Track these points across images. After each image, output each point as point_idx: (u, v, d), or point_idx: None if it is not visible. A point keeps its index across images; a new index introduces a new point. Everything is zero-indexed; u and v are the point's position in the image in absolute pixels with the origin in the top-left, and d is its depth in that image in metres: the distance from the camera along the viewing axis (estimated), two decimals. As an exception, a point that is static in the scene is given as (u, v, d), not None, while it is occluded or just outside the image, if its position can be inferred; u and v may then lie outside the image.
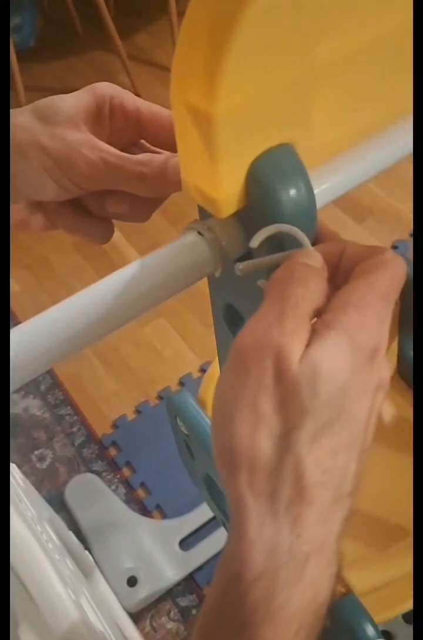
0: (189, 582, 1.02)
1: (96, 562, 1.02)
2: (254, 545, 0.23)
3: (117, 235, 0.66)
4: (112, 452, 1.18)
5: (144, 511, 1.10)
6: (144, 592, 0.98)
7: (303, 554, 0.23)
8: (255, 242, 0.28)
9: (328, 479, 0.24)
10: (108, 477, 1.17)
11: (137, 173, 0.33)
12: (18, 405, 1.32)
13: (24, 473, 1.20)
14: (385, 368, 0.26)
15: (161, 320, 1.34)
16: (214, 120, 0.26)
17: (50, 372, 1.30)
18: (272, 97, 0.27)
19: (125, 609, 0.97)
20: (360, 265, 0.27)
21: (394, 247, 1.37)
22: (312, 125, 0.30)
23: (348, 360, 0.23)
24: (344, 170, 0.33)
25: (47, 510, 0.93)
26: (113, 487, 1.15)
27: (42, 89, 1.80)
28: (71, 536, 0.94)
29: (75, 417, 1.25)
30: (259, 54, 0.25)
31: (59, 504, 1.12)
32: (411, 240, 1.30)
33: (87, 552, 1.02)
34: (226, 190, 0.29)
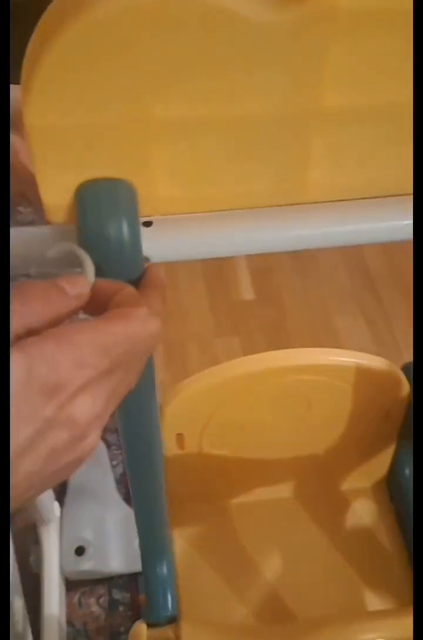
0: (131, 581, 1.04)
1: (60, 516, 1.08)
2: None
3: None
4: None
5: (129, 499, 1.14)
6: (86, 566, 1.02)
7: None
8: (50, 253, 0.30)
9: None
10: (115, 452, 1.22)
11: None
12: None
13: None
14: (75, 409, 0.26)
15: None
16: (30, 130, 0.28)
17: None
18: (94, 132, 0.29)
19: (63, 572, 1.02)
20: (110, 307, 0.27)
21: None
22: (156, 174, 0.31)
23: (15, 381, 0.24)
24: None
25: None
26: (114, 462, 1.20)
27: None
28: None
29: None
30: (70, 85, 0.27)
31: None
32: None
33: (57, 503, 1.08)
34: (51, 198, 0.31)
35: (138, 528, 0.58)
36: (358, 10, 0.26)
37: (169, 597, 0.59)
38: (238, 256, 1.54)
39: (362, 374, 0.67)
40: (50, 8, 0.27)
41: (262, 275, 1.53)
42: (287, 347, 1.39)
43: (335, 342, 1.40)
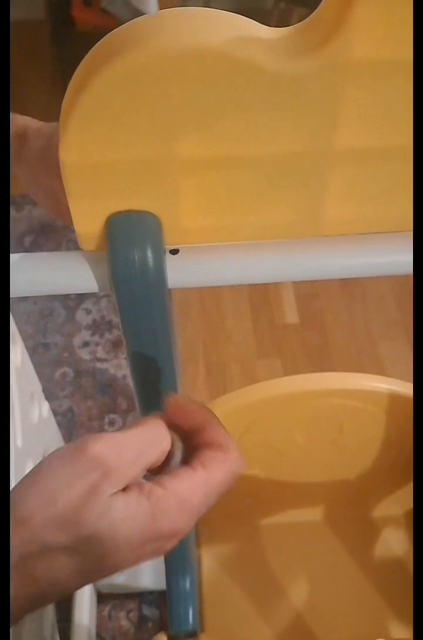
0: (161, 598, 1.05)
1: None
2: None
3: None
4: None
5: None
6: (117, 580, 1.03)
7: None
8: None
9: None
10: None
11: None
12: (122, 368, 1.46)
13: (92, 429, 1.34)
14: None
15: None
16: (64, 166, 0.31)
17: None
18: (124, 166, 0.31)
19: (95, 584, 1.04)
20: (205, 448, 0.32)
21: None
22: (180, 207, 0.33)
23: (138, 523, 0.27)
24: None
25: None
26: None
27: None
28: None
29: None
30: (102, 125, 0.29)
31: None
32: None
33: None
34: (83, 229, 0.34)
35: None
36: (372, 61, 0.27)
37: (190, 612, 0.60)
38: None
39: (395, 400, 0.66)
40: (88, 55, 0.30)
41: (307, 300, 1.53)
42: (329, 371, 1.37)
43: (379, 370, 1.38)
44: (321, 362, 1.40)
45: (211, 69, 0.27)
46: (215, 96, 0.28)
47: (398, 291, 1.53)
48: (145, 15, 0.29)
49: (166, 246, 0.35)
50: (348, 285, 1.55)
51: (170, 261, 0.36)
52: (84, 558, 0.27)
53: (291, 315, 1.51)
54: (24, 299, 1.53)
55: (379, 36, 0.26)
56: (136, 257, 0.33)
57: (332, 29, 0.26)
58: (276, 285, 1.55)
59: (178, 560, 0.64)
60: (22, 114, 0.44)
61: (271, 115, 0.29)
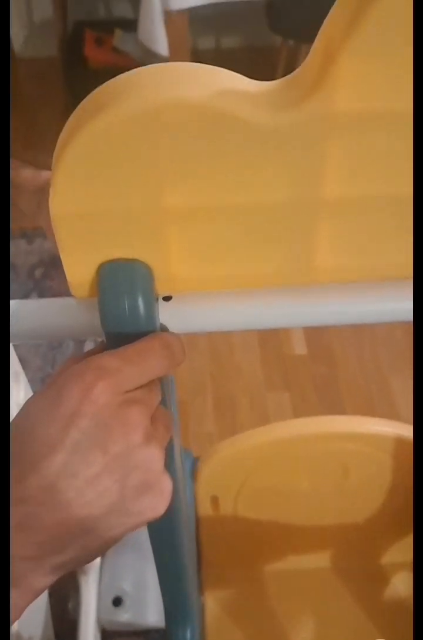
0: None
1: (101, 565, 1.09)
2: None
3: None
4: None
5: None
6: (123, 618, 1.02)
7: None
8: None
9: None
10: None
11: None
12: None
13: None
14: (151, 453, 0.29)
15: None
16: (54, 217, 0.31)
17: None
18: (113, 216, 0.31)
19: (100, 622, 1.02)
20: None
21: None
22: (170, 255, 0.33)
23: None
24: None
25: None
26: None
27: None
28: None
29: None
30: (89, 177, 0.29)
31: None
32: None
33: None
34: (75, 278, 0.34)
35: (162, 591, 0.58)
36: (356, 113, 0.27)
37: (192, 664, 0.59)
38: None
39: (402, 445, 0.65)
40: (77, 109, 0.30)
41: (316, 331, 1.52)
42: (338, 405, 1.37)
43: (389, 402, 1.36)
44: (330, 395, 1.39)
45: (194, 121, 0.27)
46: (199, 148, 0.28)
47: (408, 324, 1.52)
48: (149, 62, 0.30)
49: (158, 294, 0.35)
50: (357, 317, 1.54)
51: (163, 307, 0.36)
52: None
53: (299, 347, 1.50)
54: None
55: (363, 89, 0.26)
56: (127, 305, 0.32)
57: (315, 83, 0.26)
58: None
59: (178, 610, 0.62)
60: (34, 148, 0.46)
61: (255, 167, 0.29)
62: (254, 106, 0.27)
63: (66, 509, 0.26)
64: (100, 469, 0.27)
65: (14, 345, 0.79)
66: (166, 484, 0.30)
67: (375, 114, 0.27)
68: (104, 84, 0.30)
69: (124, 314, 0.33)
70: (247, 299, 0.34)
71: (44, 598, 0.99)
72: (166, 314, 0.36)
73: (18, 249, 1.82)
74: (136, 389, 0.30)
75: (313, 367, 1.46)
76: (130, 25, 1.90)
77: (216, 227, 0.32)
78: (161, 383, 0.38)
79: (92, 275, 0.34)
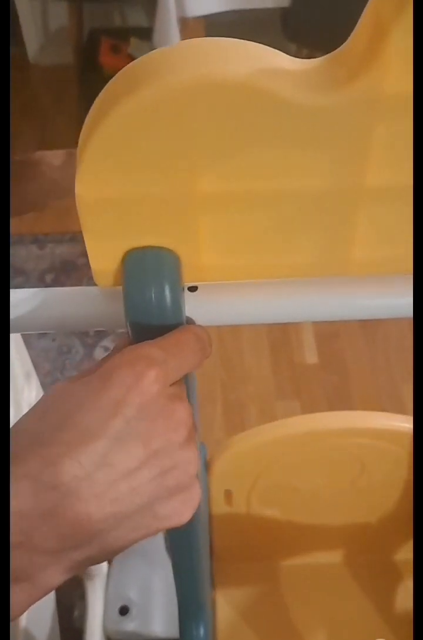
0: (173, 648, 1.01)
1: (108, 574, 1.07)
2: None
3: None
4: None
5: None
6: (128, 627, 1.00)
7: None
8: None
9: None
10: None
11: None
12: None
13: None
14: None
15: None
16: (80, 201, 0.30)
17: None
18: (142, 202, 0.30)
19: (106, 631, 1.01)
20: None
21: None
22: (199, 244, 0.32)
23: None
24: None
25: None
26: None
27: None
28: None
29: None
30: (119, 159, 0.28)
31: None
32: None
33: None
34: (99, 265, 0.33)
35: (176, 587, 0.57)
36: (402, 95, 0.26)
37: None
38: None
39: (420, 445, 0.64)
40: (104, 89, 0.29)
41: (327, 340, 1.51)
42: (349, 415, 1.33)
43: (400, 412, 1.34)
44: (341, 404, 1.37)
45: (230, 101, 0.26)
46: (234, 130, 0.27)
47: None
48: (171, 46, 0.29)
49: (185, 283, 0.34)
50: (369, 325, 1.53)
51: (188, 298, 0.35)
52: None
53: (310, 356, 1.48)
54: (43, 335, 1.53)
55: (410, 70, 0.25)
56: (153, 294, 0.31)
57: (364, 62, 0.25)
58: (296, 323, 1.53)
59: (191, 606, 0.61)
60: (50, 154, 0.45)
61: (294, 151, 0.28)
62: (295, 85, 0.26)
63: (97, 502, 0.25)
64: (139, 463, 0.26)
65: (27, 345, 0.78)
66: (197, 491, 0.29)
67: None
68: (134, 62, 0.29)
69: (150, 304, 0.32)
70: (273, 291, 0.33)
71: (51, 604, 0.98)
72: (191, 305, 0.35)
73: (29, 254, 1.82)
74: (174, 384, 0.29)
75: (324, 376, 1.44)
76: (146, 33, 1.90)
77: (249, 214, 0.31)
78: (187, 379, 0.37)
79: (117, 263, 0.33)
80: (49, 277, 1.76)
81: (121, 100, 0.27)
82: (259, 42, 0.28)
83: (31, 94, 2.31)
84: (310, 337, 1.52)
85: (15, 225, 1.71)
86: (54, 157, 0.46)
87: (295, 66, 0.27)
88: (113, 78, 0.29)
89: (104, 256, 0.32)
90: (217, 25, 1.88)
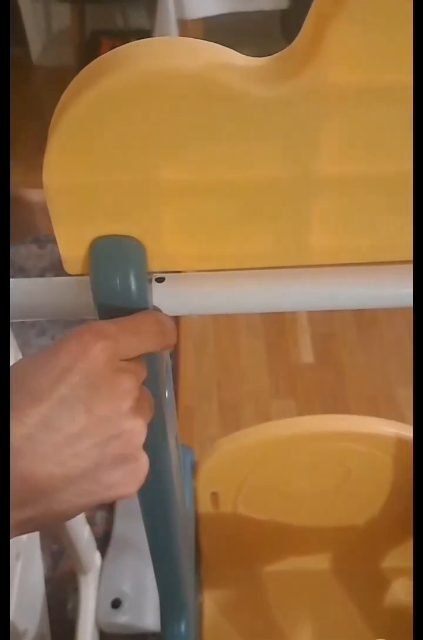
0: (165, 642, 1.02)
1: (101, 567, 1.08)
2: None
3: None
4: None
5: (171, 556, 1.13)
6: (121, 620, 1.01)
7: None
8: None
9: None
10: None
11: None
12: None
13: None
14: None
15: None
16: (47, 188, 0.31)
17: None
18: (106, 190, 0.31)
19: (98, 623, 1.01)
20: None
21: None
22: (163, 232, 0.33)
23: None
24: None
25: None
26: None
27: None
28: (88, 532, 1.02)
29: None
30: (83, 148, 0.30)
31: (109, 505, 1.21)
32: None
33: (98, 553, 1.09)
34: (68, 253, 0.34)
35: (157, 583, 0.58)
36: (350, 87, 0.27)
37: (184, 657, 0.58)
38: (299, 319, 1.54)
39: (404, 446, 0.64)
40: (73, 81, 0.31)
41: (323, 340, 1.51)
42: (344, 414, 1.34)
43: (396, 413, 1.35)
44: (336, 404, 1.37)
45: (188, 92, 0.27)
46: (193, 120, 0.28)
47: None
48: (134, 42, 0.30)
49: (152, 271, 0.35)
50: (365, 326, 1.53)
51: (155, 288, 0.35)
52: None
53: (306, 355, 1.49)
54: (41, 333, 1.55)
55: (355, 62, 0.26)
56: (119, 281, 0.32)
57: (307, 56, 0.26)
58: (293, 323, 1.54)
59: (173, 603, 0.62)
60: None
61: (248, 142, 0.29)
62: (248, 79, 0.27)
63: (41, 462, 0.26)
64: (81, 428, 0.27)
65: (25, 343, 0.79)
66: (143, 462, 0.30)
67: (369, 87, 0.27)
68: (101, 56, 0.30)
69: (115, 290, 0.33)
70: (239, 282, 0.34)
71: (40, 593, 0.99)
72: (159, 296, 0.35)
73: (30, 253, 1.84)
74: (128, 360, 0.30)
75: (320, 376, 1.44)
76: (146, 34, 1.92)
77: (209, 203, 0.32)
78: (156, 366, 0.38)
79: (85, 250, 0.34)
80: (48, 276, 1.77)
81: (82, 92, 0.28)
82: (258, 44, 0.30)
83: (33, 94, 2.33)
84: (306, 337, 1.53)
85: (15, 225, 1.73)
86: None
87: (248, 62, 0.28)
88: (80, 72, 0.30)
89: (72, 244, 0.34)
90: (216, 27, 1.90)
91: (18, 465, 0.26)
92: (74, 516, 0.29)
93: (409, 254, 0.32)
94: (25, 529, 0.27)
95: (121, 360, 0.29)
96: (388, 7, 0.25)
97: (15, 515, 0.26)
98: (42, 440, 0.26)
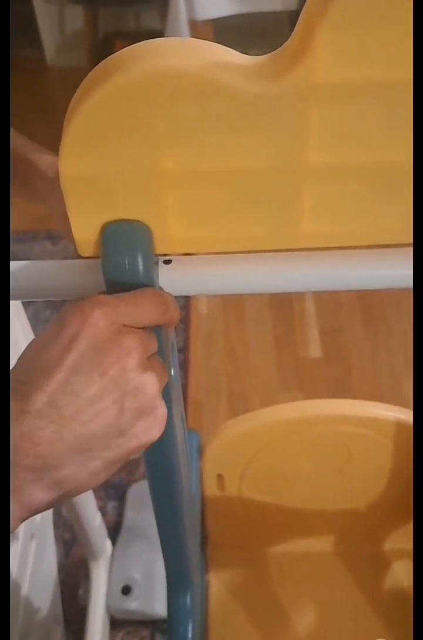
0: (173, 627, 1.04)
1: (112, 554, 1.11)
2: None
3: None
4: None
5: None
6: (131, 606, 1.03)
7: None
8: None
9: None
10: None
11: None
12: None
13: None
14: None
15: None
16: (63, 177, 0.34)
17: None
18: (116, 179, 0.34)
19: (109, 609, 1.04)
20: None
21: None
22: (167, 217, 0.36)
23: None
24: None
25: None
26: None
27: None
28: (99, 519, 1.05)
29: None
30: (95, 141, 0.33)
31: (120, 495, 1.24)
32: None
33: (109, 541, 1.12)
34: (81, 236, 0.37)
35: (163, 556, 0.60)
36: (333, 83, 0.30)
37: (189, 628, 0.61)
38: (307, 315, 1.56)
39: (404, 430, 0.66)
40: (87, 77, 0.34)
41: (331, 334, 1.54)
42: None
43: (403, 407, 1.36)
44: (343, 398, 1.39)
45: (186, 89, 0.30)
46: (191, 114, 0.31)
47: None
48: (140, 42, 0.33)
49: (158, 253, 0.38)
50: (373, 321, 1.55)
51: (162, 269, 0.38)
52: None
53: (314, 350, 1.51)
54: (45, 323, 1.59)
55: (340, 61, 0.29)
56: (127, 263, 0.35)
57: (296, 55, 0.29)
58: (300, 318, 1.56)
59: (179, 578, 0.65)
60: None
61: (242, 134, 0.32)
62: (242, 76, 0.30)
63: (67, 424, 0.29)
64: (98, 389, 0.30)
65: (33, 329, 0.82)
66: (161, 410, 0.33)
67: (354, 84, 0.30)
68: (112, 55, 0.33)
69: (124, 271, 0.36)
70: (241, 264, 0.37)
71: (53, 576, 1.02)
72: (165, 277, 0.38)
73: (43, 250, 1.88)
74: (131, 327, 0.33)
75: (327, 370, 1.47)
76: (158, 36, 1.93)
77: (207, 190, 0.35)
78: (161, 344, 0.41)
79: (97, 234, 0.37)
80: (62, 273, 1.81)
81: (94, 89, 0.31)
82: (268, 45, 0.33)
83: (47, 95, 2.38)
84: (314, 331, 1.55)
85: (30, 222, 1.77)
86: None
87: (245, 61, 0.31)
88: (93, 69, 0.33)
89: (85, 228, 0.37)
90: (226, 28, 1.92)
91: (48, 428, 0.28)
92: (109, 470, 0.31)
93: (395, 238, 0.35)
94: (64, 488, 0.30)
95: (123, 325, 0.32)
96: (366, 13, 0.27)
97: (54, 475, 0.29)
98: (66, 405, 0.29)
